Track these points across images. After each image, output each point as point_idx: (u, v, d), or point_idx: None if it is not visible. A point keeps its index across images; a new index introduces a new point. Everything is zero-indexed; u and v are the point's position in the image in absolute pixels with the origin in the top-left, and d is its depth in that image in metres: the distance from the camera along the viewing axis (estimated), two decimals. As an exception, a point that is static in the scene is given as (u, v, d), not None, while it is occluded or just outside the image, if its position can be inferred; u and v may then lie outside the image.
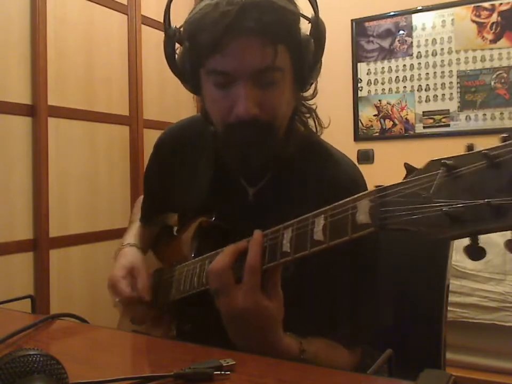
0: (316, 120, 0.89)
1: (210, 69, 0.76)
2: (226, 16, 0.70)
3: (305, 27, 0.80)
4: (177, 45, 0.83)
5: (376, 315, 0.82)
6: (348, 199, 0.56)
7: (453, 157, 0.45)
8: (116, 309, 0.98)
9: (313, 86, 0.85)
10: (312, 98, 0.88)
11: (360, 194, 0.54)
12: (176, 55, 0.82)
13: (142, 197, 1.14)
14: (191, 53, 0.78)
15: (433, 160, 0.47)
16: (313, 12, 0.79)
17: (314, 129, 0.90)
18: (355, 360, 0.80)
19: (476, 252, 0.44)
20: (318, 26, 0.79)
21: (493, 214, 0.41)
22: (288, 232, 0.63)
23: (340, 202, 0.56)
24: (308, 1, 0.78)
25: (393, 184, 0.50)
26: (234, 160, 0.82)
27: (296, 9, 0.77)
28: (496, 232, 0.42)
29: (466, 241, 0.44)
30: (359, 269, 0.78)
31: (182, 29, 0.80)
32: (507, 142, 0.41)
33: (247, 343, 0.67)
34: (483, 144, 0.44)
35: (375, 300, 0.82)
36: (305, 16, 0.79)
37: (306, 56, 0.78)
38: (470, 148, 0.44)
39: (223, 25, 0.70)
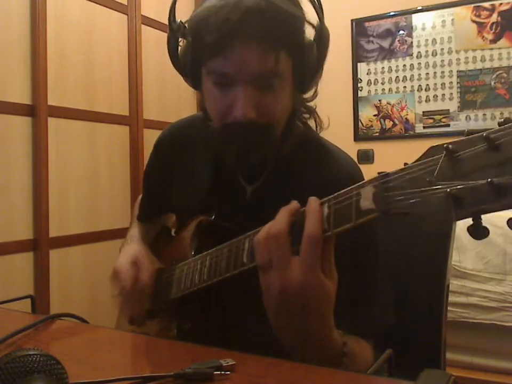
0: (316, 120, 0.90)
1: (211, 69, 0.76)
2: (230, 20, 0.70)
3: (309, 30, 0.80)
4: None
5: (381, 305, 0.81)
6: (351, 187, 0.56)
7: (454, 141, 0.46)
8: (114, 302, 0.97)
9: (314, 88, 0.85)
10: (312, 100, 0.89)
11: (363, 181, 0.55)
12: (179, 49, 0.83)
13: (140, 196, 1.15)
14: (194, 50, 0.78)
15: (434, 146, 0.48)
16: (317, 18, 0.79)
17: (314, 129, 0.90)
18: (373, 355, 0.77)
19: (479, 231, 0.45)
20: (322, 33, 0.79)
21: (495, 193, 0.42)
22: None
23: (343, 190, 0.57)
24: (313, 7, 0.78)
25: (396, 170, 0.50)
26: (231, 158, 0.82)
27: (301, 13, 0.77)
28: (498, 210, 0.43)
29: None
30: (360, 260, 0.78)
31: (186, 24, 0.81)
32: (506, 125, 0.44)
33: (294, 331, 0.60)
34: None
35: (377, 291, 0.81)
36: (309, 22, 0.79)
37: (308, 61, 0.78)
38: (469, 133, 0.46)
39: (226, 29, 0.70)
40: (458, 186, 0.44)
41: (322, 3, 0.80)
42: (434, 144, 0.48)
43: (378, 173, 0.52)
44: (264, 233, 0.60)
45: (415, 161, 0.49)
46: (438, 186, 0.46)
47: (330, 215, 0.57)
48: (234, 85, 0.75)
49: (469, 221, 0.45)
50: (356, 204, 0.54)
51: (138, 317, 0.96)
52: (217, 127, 0.81)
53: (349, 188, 0.56)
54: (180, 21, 0.82)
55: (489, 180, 0.42)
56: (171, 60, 0.84)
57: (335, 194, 0.58)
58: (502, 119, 0.44)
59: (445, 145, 0.46)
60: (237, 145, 0.78)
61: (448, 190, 0.44)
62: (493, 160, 0.43)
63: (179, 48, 0.82)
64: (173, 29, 0.82)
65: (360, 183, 0.55)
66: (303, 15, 0.78)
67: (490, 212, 0.43)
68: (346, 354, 0.65)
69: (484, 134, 0.44)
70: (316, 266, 0.57)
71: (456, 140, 0.46)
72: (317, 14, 0.78)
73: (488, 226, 0.45)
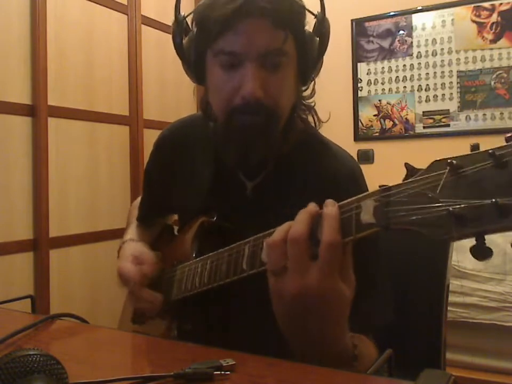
0: (314, 117, 0.91)
1: (218, 50, 0.77)
2: None
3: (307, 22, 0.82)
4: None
5: (382, 304, 0.81)
6: (351, 199, 0.55)
7: (458, 156, 0.45)
8: (114, 302, 0.96)
9: (311, 85, 0.86)
10: (310, 98, 0.89)
11: (364, 194, 0.54)
12: (184, 42, 0.83)
13: (136, 201, 1.14)
14: (199, 36, 0.79)
15: (437, 160, 0.46)
16: (319, 9, 0.81)
17: (313, 125, 0.91)
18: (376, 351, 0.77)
19: (482, 252, 0.43)
20: (323, 23, 0.81)
21: (499, 214, 0.40)
22: None
23: (343, 202, 0.56)
24: None
25: (397, 184, 0.49)
26: (233, 152, 0.81)
27: (302, 3, 0.80)
28: (502, 232, 0.41)
29: (467, 241, 0.44)
30: (362, 259, 0.77)
31: (190, 17, 0.82)
32: None
33: (306, 336, 0.59)
34: (483, 144, 0.44)
35: (378, 290, 0.81)
36: (311, 11, 0.80)
37: (310, 50, 0.80)
38: (475, 147, 0.44)
39: (237, 3, 0.72)
40: (461, 205, 0.42)
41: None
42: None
43: (380, 186, 0.51)
44: (281, 236, 0.57)
45: (417, 175, 0.48)
46: (440, 204, 0.44)
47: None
48: (242, 65, 0.76)
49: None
50: (356, 217, 0.53)
51: (139, 319, 0.96)
52: (222, 116, 0.81)
53: (349, 200, 0.55)
54: (184, 14, 0.83)
55: (493, 200, 0.40)
56: (177, 53, 0.84)
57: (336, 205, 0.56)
58: (509, 135, 0.42)
59: (449, 161, 0.44)
60: (242, 134, 0.78)
61: (450, 208, 0.43)
62: (498, 178, 0.41)
63: (184, 40, 0.83)
64: (178, 21, 0.83)
65: (361, 195, 0.54)
66: (304, 5, 0.80)
67: (493, 233, 0.42)
68: (357, 357, 0.64)
69: (490, 151, 0.42)
70: (335, 273, 0.55)
71: (460, 155, 0.44)
72: (321, 5, 0.80)
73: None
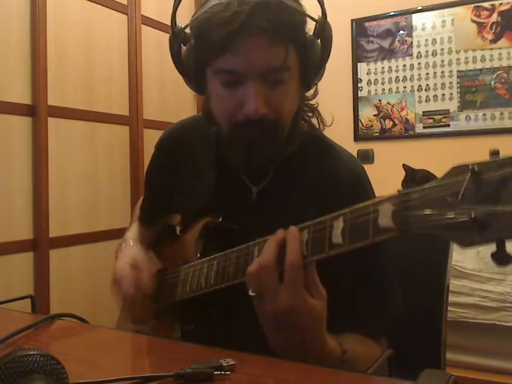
0: (318, 118, 0.90)
1: (218, 68, 0.76)
2: (238, 16, 0.70)
3: (308, 28, 0.81)
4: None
5: (392, 303, 0.82)
6: (368, 202, 0.55)
7: (478, 162, 0.45)
8: (115, 302, 0.97)
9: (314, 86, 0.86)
10: (313, 98, 0.89)
11: (380, 198, 0.54)
12: (182, 53, 0.82)
13: (140, 201, 1.14)
14: (198, 52, 0.78)
15: (457, 166, 0.46)
16: (320, 14, 0.79)
17: (316, 127, 0.90)
18: (383, 352, 0.79)
19: (503, 258, 0.44)
20: (325, 27, 0.79)
21: None
22: (304, 235, 0.62)
23: (360, 205, 0.56)
24: (317, 2, 0.79)
25: (417, 189, 0.49)
26: (238, 159, 0.81)
27: (303, 10, 0.78)
28: None
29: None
30: (367, 262, 0.78)
31: (188, 29, 0.81)
32: None
33: (291, 348, 0.65)
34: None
35: (388, 290, 0.82)
36: (311, 17, 0.79)
37: (312, 56, 0.79)
38: (494, 153, 0.44)
39: (236, 24, 0.70)
40: (483, 211, 0.43)
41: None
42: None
43: (398, 191, 0.51)
44: (255, 266, 0.63)
45: (437, 181, 0.48)
46: (461, 210, 0.45)
47: (346, 229, 0.57)
48: (243, 83, 0.75)
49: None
50: (373, 220, 0.53)
51: (140, 320, 0.96)
52: (226, 128, 0.80)
53: (366, 204, 0.55)
54: (180, 25, 0.81)
55: None
56: (175, 65, 0.83)
57: (351, 208, 0.57)
58: None
59: (470, 167, 0.44)
60: (246, 143, 0.78)
61: (472, 214, 0.43)
62: None
63: (182, 52, 0.82)
64: (175, 33, 0.81)
65: (378, 199, 0.54)
66: (305, 12, 0.79)
67: None
68: (346, 362, 0.68)
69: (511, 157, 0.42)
70: (301, 289, 0.61)
71: (481, 161, 0.45)
72: (321, 9, 0.79)
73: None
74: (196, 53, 0.78)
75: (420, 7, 2.90)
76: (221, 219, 0.86)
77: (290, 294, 0.61)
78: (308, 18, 0.79)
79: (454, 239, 0.46)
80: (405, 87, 2.97)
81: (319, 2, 0.79)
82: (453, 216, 0.45)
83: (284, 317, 0.62)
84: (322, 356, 0.65)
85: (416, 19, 2.92)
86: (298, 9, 0.76)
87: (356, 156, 3.02)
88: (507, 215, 0.42)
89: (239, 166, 0.83)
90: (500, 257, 0.44)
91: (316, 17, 0.80)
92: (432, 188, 0.48)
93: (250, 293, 0.64)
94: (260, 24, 0.71)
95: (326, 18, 0.79)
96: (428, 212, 0.47)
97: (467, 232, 0.44)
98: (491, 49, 2.74)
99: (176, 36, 0.81)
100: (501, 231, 0.42)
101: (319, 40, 0.79)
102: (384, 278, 0.82)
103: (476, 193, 0.44)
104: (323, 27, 0.79)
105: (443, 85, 2.86)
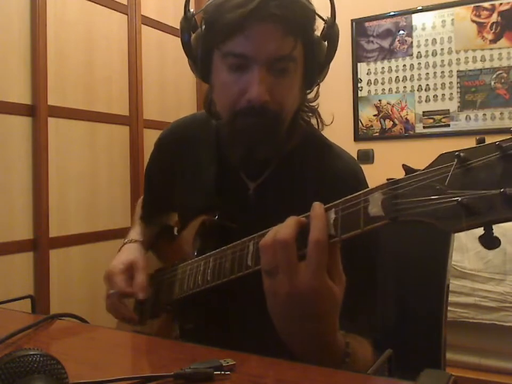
0: (318, 119, 0.91)
1: (227, 51, 0.77)
2: (252, 1, 0.72)
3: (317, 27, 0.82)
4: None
5: (381, 305, 0.81)
6: (358, 193, 0.55)
7: (465, 149, 0.45)
8: (104, 301, 0.98)
9: (315, 88, 0.87)
10: (314, 100, 0.90)
11: (371, 188, 0.54)
12: (192, 37, 0.83)
13: (140, 199, 1.14)
14: (209, 34, 0.79)
15: (444, 153, 0.47)
16: (329, 15, 0.80)
17: (316, 127, 0.91)
18: (374, 352, 0.78)
19: (490, 241, 0.44)
20: (333, 28, 0.81)
21: (507, 204, 0.42)
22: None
23: (350, 196, 0.56)
24: (329, 2, 0.80)
25: (405, 177, 0.50)
26: (237, 152, 0.82)
27: (313, 8, 0.79)
28: (510, 221, 0.43)
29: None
30: (361, 260, 0.77)
31: (199, 14, 0.82)
32: None
33: (300, 337, 0.61)
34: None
35: (378, 291, 0.81)
36: (321, 16, 0.80)
37: (318, 55, 0.80)
38: (481, 141, 0.45)
39: (250, 7, 0.72)
40: (470, 196, 0.43)
41: (323, 3, 0.81)
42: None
43: (387, 179, 0.52)
44: (271, 238, 0.58)
45: (425, 168, 0.48)
46: (448, 195, 0.45)
47: (337, 220, 0.56)
48: (249, 69, 0.76)
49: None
50: (364, 210, 0.53)
51: (122, 320, 0.96)
52: (227, 117, 0.81)
53: (357, 194, 0.55)
54: (193, 10, 0.83)
55: (502, 190, 0.41)
56: (184, 49, 0.84)
57: (342, 199, 0.57)
58: None
59: (456, 153, 0.45)
60: (246, 133, 0.78)
61: (459, 199, 0.44)
62: (505, 169, 0.42)
63: (192, 36, 0.83)
64: (187, 18, 0.82)
65: (368, 189, 0.54)
66: (315, 10, 0.80)
67: (501, 222, 0.43)
68: (350, 355, 0.65)
69: (497, 143, 0.43)
70: (323, 271, 0.57)
71: (468, 148, 0.45)
72: (331, 10, 0.80)
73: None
74: (206, 36, 0.79)
75: (420, 7, 2.90)
76: (217, 217, 0.86)
77: (311, 274, 0.56)
78: (317, 18, 0.80)
79: (442, 224, 0.46)
80: (405, 87, 2.97)
81: (331, 3, 0.79)
82: (441, 201, 0.46)
83: (300, 300, 0.57)
84: (331, 346, 0.62)
85: (416, 19, 2.92)
86: (309, 6, 0.78)
87: (356, 156, 3.04)
88: (493, 198, 0.42)
89: (238, 159, 0.83)
90: (487, 240, 0.44)
91: (327, 17, 0.81)
92: (420, 175, 0.48)
93: (263, 268, 0.60)
94: (273, 11, 0.72)
95: (335, 19, 0.80)
96: (415, 198, 0.48)
97: (455, 217, 0.44)
98: (491, 49, 2.74)
99: (188, 21, 0.82)
100: (488, 215, 0.43)
101: (325, 41, 0.80)
102: (373, 282, 0.81)
103: (463, 179, 0.45)
104: (331, 28, 0.80)
105: (443, 85, 2.86)
